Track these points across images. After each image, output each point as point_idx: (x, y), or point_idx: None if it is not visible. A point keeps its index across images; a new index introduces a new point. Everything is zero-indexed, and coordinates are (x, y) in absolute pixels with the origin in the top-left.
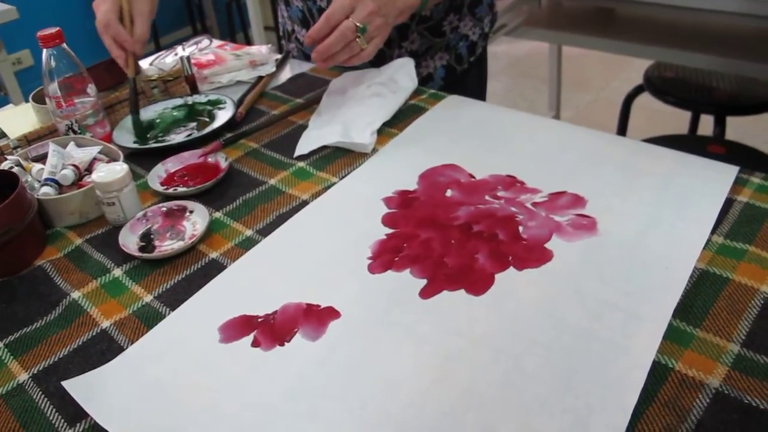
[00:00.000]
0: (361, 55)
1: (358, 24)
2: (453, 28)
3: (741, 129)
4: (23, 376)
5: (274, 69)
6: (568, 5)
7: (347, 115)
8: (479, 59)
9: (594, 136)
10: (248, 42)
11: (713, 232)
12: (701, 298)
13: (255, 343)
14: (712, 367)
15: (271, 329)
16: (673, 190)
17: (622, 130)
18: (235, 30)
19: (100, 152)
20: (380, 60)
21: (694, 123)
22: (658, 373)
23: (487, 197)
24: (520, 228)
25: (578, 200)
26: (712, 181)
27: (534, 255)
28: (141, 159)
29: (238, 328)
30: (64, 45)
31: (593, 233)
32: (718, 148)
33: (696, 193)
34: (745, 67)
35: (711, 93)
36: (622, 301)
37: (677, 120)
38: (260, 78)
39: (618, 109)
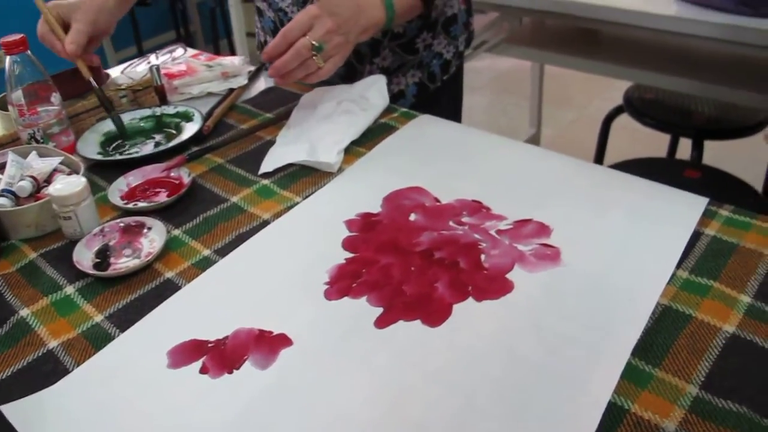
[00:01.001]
0: (318, 73)
1: (314, 42)
2: (426, 45)
3: (719, 153)
4: None
5: (246, 81)
6: (552, 24)
7: (315, 133)
8: (453, 78)
9: (565, 162)
10: (231, 49)
11: (678, 266)
12: (662, 335)
13: (203, 370)
14: (669, 410)
15: (221, 355)
16: (641, 221)
17: (600, 150)
18: (219, 36)
19: (61, 163)
20: (351, 75)
21: (673, 146)
22: (613, 415)
23: (451, 223)
24: (483, 256)
25: (543, 229)
26: (681, 213)
27: (494, 286)
28: (104, 171)
29: (187, 352)
30: (29, 52)
31: (556, 264)
32: (693, 173)
33: (664, 225)
34: (725, 92)
35: (690, 116)
36: (582, 336)
37: (658, 141)
38: (231, 90)
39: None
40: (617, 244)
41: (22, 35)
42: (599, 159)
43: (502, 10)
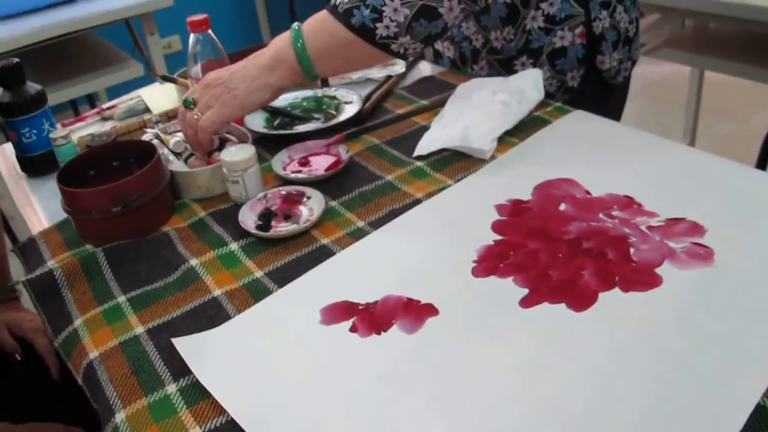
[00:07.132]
0: (199, 125)
1: (185, 98)
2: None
3: None
4: (140, 329)
5: (403, 69)
6: (717, 28)
7: (469, 120)
8: (619, 86)
9: (722, 164)
10: None
11: None
12: None
13: (353, 329)
14: None
15: (370, 317)
16: None
17: (761, 165)
18: None
19: (230, 133)
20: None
21: None
22: (761, 418)
23: (601, 215)
24: (632, 250)
25: (696, 228)
26: None
27: (642, 278)
28: (268, 144)
29: (339, 312)
30: (210, 31)
31: (709, 264)
32: None
33: None
34: None
35: None
36: (731, 336)
37: None
38: (389, 77)
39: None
40: None
41: (205, 15)
42: None
43: (665, 11)
